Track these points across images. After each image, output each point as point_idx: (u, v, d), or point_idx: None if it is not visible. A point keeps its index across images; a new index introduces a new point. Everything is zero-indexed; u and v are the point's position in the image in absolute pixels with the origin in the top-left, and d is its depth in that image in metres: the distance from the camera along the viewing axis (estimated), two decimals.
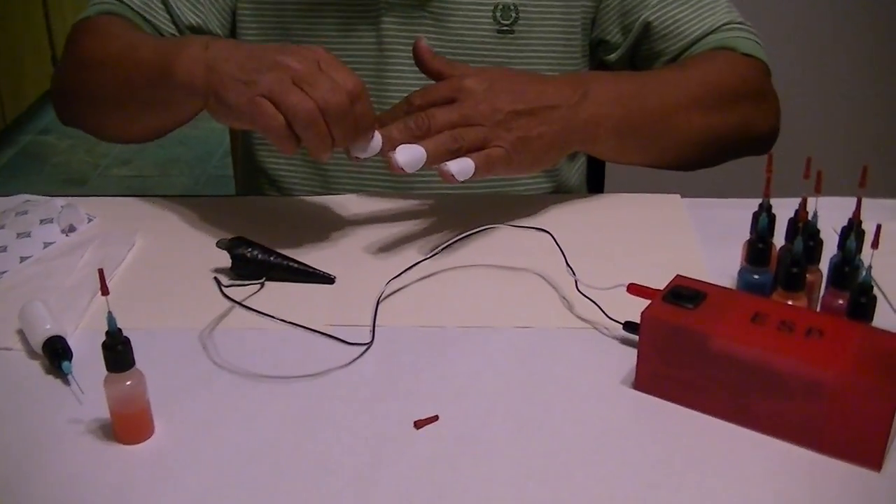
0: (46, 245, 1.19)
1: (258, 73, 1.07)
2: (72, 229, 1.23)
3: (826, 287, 0.98)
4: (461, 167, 1.10)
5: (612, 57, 1.42)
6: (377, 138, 1.10)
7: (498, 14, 1.34)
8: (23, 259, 1.17)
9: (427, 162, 1.09)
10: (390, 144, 1.10)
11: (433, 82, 1.20)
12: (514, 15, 1.35)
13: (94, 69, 1.28)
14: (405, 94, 1.32)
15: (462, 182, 1.10)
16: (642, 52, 1.40)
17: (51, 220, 1.22)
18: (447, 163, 1.09)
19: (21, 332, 1.02)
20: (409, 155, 1.08)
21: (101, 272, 0.83)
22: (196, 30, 1.39)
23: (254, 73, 1.07)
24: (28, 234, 1.20)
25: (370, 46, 1.36)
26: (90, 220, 1.25)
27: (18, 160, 4.13)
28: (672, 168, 1.32)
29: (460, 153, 1.11)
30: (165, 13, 1.37)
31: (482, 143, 1.13)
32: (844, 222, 1.00)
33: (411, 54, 1.33)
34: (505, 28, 1.35)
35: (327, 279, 1.12)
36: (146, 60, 1.19)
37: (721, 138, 1.30)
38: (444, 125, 1.12)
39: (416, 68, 1.23)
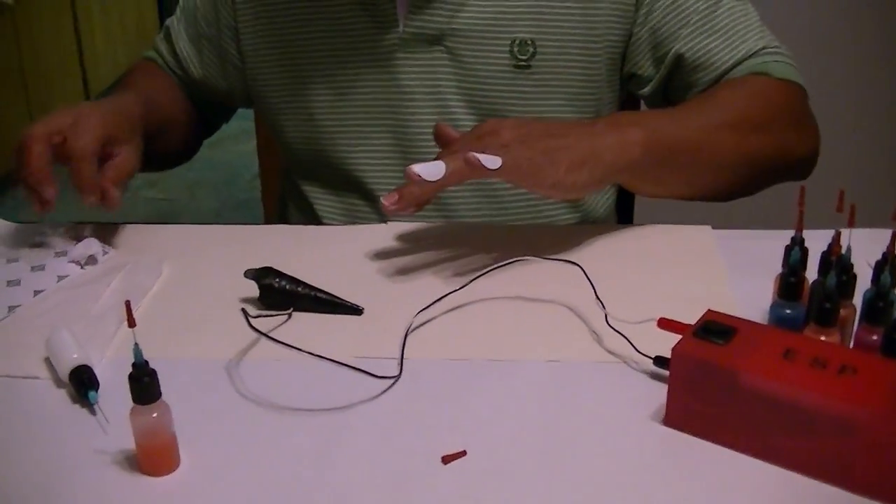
0: (60, 278, 1.19)
1: None
2: (91, 261, 1.22)
3: (859, 322, 0.97)
4: (488, 158, 1.08)
5: (646, 90, 1.41)
6: (440, 165, 1.09)
7: (515, 49, 1.33)
8: (36, 293, 1.16)
9: (444, 178, 1.08)
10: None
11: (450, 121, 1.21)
12: (531, 50, 1.34)
13: None
14: (423, 128, 1.34)
15: (492, 172, 1.09)
16: (675, 84, 1.38)
17: (65, 253, 1.22)
18: (478, 154, 1.08)
19: (48, 361, 1.02)
20: (426, 167, 1.08)
21: (127, 304, 0.83)
22: (200, 83, 1.55)
23: None
24: (42, 268, 1.20)
25: (386, 82, 1.36)
26: (105, 253, 1.25)
27: None
28: (712, 197, 1.30)
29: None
30: (179, 69, 1.54)
31: (504, 155, 1.10)
32: (879, 255, 0.98)
33: (427, 89, 1.33)
34: (522, 63, 1.34)
35: (355, 310, 1.11)
36: None
37: (757, 162, 1.28)
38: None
39: (434, 104, 1.23)
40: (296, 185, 1.52)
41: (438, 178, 1.08)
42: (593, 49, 1.36)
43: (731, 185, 1.30)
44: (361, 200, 1.44)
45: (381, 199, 1.12)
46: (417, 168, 1.07)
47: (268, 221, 2.50)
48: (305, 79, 1.40)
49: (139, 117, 1.32)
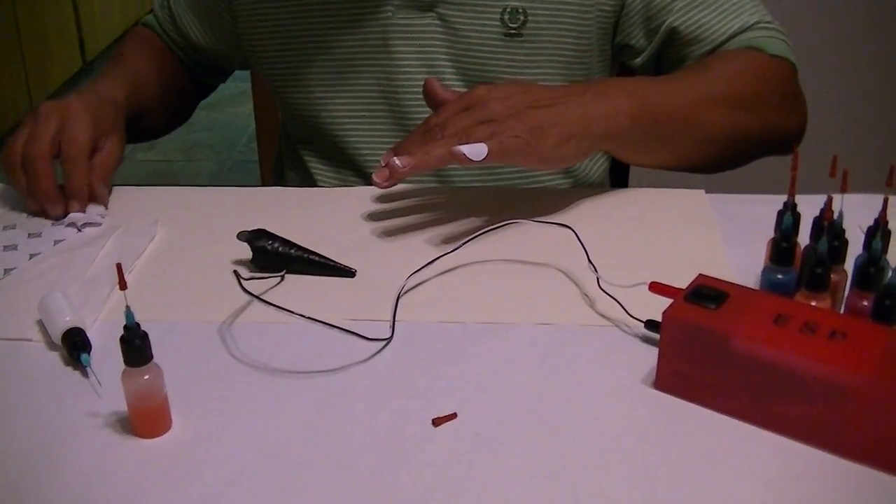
0: (57, 243, 1.19)
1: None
2: (88, 226, 1.22)
3: (851, 288, 0.97)
4: (474, 149, 1.08)
5: (638, 61, 1.40)
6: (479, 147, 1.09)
7: (506, 17, 1.32)
8: (32, 256, 1.16)
9: (432, 163, 1.10)
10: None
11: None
12: (522, 18, 1.33)
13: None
14: (415, 94, 1.33)
15: (478, 162, 1.09)
16: (668, 57, 1.38)
17: (62, 219, 1.22)
18: (460, 146, 1.08)
19: (41, 323, 1.02)
20: (472, 148, 1.09)
21: (118, 267, 0.83)
22: (198, 47, 1.55)
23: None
24: (39, 235, 1.20)
25: (377, 47, 1.36)
26: (102, 216, 1.25)
27: None
28: (697, 169, 1.30)
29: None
30: (176, 33, 1.55)
31: (491, 137, 1.10)
32: (871, 221, 0.98)
33: (419, 57, 1.33)
34: (513, 31, 1.33)
35: (348, 273, 1.11)
36: None
37: (745, 137, 1.28)
38: (458, 131, 1.11)
39: (425, 72, 1.23)
40: (294, 149, 1.52)
41: (480, 159, 1.08)
42: (585, 18, 1.35)
43: (717, 159, 1.30)
44: (353, 172, 1.44)
45: (373, 176, 1.12)
46: (465, 149, 1.08)
47: (264, 184, 2.50)
48: (301, 48, 1.39)
49: (123, 104, 1.36)
